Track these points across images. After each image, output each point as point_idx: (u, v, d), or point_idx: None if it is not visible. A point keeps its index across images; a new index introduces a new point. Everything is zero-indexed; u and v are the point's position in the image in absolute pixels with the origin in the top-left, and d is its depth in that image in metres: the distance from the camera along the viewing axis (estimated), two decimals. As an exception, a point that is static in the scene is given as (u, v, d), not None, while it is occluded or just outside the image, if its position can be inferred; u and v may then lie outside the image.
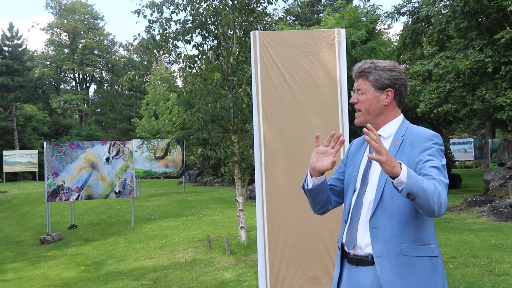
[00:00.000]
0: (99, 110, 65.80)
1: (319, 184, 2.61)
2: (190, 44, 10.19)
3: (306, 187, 2.67)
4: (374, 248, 2.40)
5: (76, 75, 63.76)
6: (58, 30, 60.61)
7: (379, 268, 2.37)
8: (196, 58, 10.33)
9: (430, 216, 2.29)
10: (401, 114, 2.66)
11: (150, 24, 10.13)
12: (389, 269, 2.35)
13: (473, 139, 35.49)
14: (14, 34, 46.09)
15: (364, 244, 2.45)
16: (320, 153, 2.56)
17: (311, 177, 2.61)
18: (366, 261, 2.45)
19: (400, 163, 2.14)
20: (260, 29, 10.35)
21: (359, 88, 2.59)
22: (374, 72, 2.57)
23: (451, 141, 35.68)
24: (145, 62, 53.70)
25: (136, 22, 18.02)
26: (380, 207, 2.42)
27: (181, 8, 9.95)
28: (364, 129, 2.18)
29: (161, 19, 10.06)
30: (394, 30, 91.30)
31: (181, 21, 9.98)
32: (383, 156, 2.10)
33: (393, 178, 2.14)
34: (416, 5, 20.82)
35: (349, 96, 2.96)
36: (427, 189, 2.14)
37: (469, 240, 9.29)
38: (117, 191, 13.97)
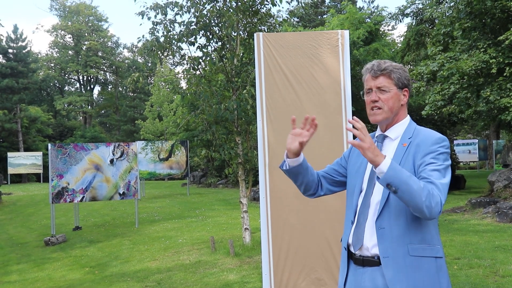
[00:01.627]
0: (103, 111, 65.87)
1: (295, 166, 2.67)
2: (194, 45, 10.20)
3: (282, 168, 2.74)
4: (380, 248, 2.41)
5: (80, 77, 63.92)
6: (62, 32, 60.78)
7: (386, 269, 2.38)
8: (200, 60, 10.35)
9: (422, 217, 2.30)
10: (408, 115, 2.68)
11: (154, 26, 10.15)
12: (395, 269, 2.37)
13: (477, 140, 35.43)
14: (18, 36, 46.22)
15: (370, 244, 2.46)
16: (296, 135, 2.61)
17: (287, 158, 2.67)
18: (372, 261, 2.46)
19: (385, 156, 2.25)
20: (264, 31, 10.35)
21: (380, 86, 2.58)
22: (395, 71, 2.59)
23: (455, 142, 35.62)
24: (149, 64, 53.79)
25: (140, 24, 18.12)
26: (386, 207, 2.44)
27: (185, 10, 9.96)
28: (349, 119, 2.28)
29: (165, 21, 10.08)
30: (398, 31, 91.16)
31: (185, 23, 10.00)
32: (366, 143, 2.21)
33: (376, 168, 2.24)
34: (420, 6, 20.80)
35: (353, 97, 2.96)
36: (413, 185, 2.20)
37: (473, 241, 9.28)
38: (121, 192, 14.00)
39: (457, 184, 19.54)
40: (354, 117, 2.30)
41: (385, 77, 2.59)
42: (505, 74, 12.91)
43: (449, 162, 2.43)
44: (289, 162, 2.67)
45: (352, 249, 2.56)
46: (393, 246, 2.39)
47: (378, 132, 2.70)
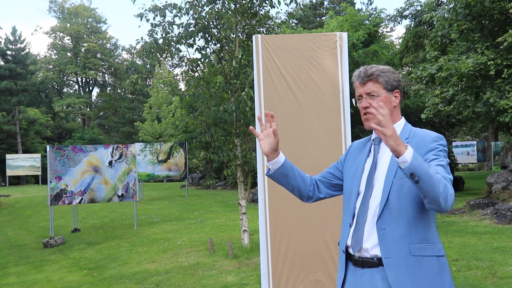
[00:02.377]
0: (102, 113, 65.87)
1: (279, 168, 2.71)
2: (192, 47, 10.22)
3: (268, 174, 2.77)
4: (382, 249, 2.41)
5: (79, 79, 63.89)
6: (61, 34, 60.78)
7: (388, 270, 2.38)
8: (198, 62, 10.36)
9: (435, 209, 2.27)
10: (403, 117, 2.70)
11: (153, 28, 10.16)
12: (398, 270, 2.37)
13: (476, 142, 35.46)
14: (17, 38, 46.22)
15: (370, 246, 2.46)
16: (264, 139, 2.65)
17: (268, 163, 2.71)
18: (371, 263, 2.46)
19: (407, 145, 2.17)
20: (263, 33, 10.36)
21: (369, 91, 2.60)
22: (383, 74, 2.61)
23: (454, 143, 35.64)
24: (148, 66, 53.80)
25: (139, 26, 17.93)
26: (386, 209, 2.44)
27: (183, 12, 9.97)
28: (374, 105, 2.22)
29: (164, 23, 10.09)
30: (396, 33, 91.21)
31: (183, 25, 10.00)
32: (389, 130, 2.14)
33: (398, 157, 2.17)
34: (419, 8, 20.83)
35: (351, 99, 2.98)
36: (433, 176, 2.17)
37: (472, 243, 9.28)
38: (120, 194, 13.99)
39: (455, 186, 19.55)
40: (378, 103, 2.28)
41: (372, 82, 2.61)
42: (503, 76, 12.92)
43: (448, 160, 2.46)
44: (271, 166, 2.71)
45: (351, 251, 2.57)
46: (395, 246, 2.39)
47: (374, 135, 2.71)
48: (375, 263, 2.44)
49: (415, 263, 2.37)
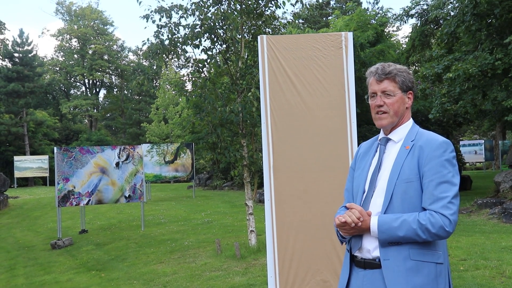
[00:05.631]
0: (109, 115, 66.01)
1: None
2: (198, 48, 10.23)
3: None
4: (381, 251, 2.42)
5: (86, 81, 64.05)
6: (68, 36, 60.94)
7: (386, 271, 2.38)
8: (205, 63, 10.37)
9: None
10: (411, 118, 2.69)
11: (159, 29, 10.18)
12: (395, 272, 2.37)
13: (483, 141, 35.33)
14: (24, 40, 46.39)
15: (372, 247, 2.47)
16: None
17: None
18: (373, 264, 2.46)
19: (368, 226, 2.44)
20: (269, 33, 10.36)
21: (385, 90, 2.59)
22: (400, 74, 2.60)
23: (461, 142, 35.55)
24: (154, 67, 53.88)
25: (145, 27, 17.98)
26: (389, 210, 2.44)
27: (189, 13, 9.99)
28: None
29: (170, 24, 10.11)
30: (402, 32, 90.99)
31: (189, 26, 10.02)
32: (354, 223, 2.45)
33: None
34: (425, 7, 20.75)
35: (358, 99, 2.97)
36: (406, 235, 2.35)
37: (479, 242, 9.25)
38: (127, 195, 14.02)
39: (463, 185, 19.49)
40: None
41: (389, 81, 2.59)
42: (510, 75, 12.85)
43: (456, 165, 2.44)
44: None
45: (352, 251, 2.57)
46: (395, 249, 2.40)
47: (381, 135, 2.70)
48: (377, 264, 2.44)
49: (413, 267, 2.37)
